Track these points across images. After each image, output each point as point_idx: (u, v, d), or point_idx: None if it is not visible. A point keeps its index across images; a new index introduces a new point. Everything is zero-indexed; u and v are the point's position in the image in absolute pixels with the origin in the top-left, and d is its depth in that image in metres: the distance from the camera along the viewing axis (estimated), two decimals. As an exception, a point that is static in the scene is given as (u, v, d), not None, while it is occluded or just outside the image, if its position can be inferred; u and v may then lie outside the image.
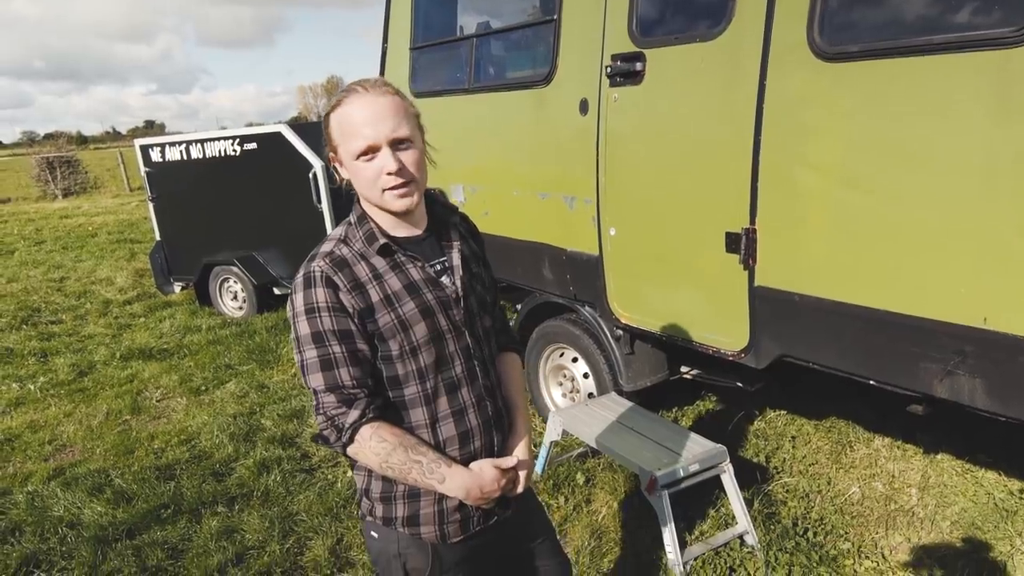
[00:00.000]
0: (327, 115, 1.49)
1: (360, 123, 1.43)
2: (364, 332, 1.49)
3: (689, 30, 2.91)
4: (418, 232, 1.60)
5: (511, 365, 1.83)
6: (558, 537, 2.09)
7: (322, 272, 1.47)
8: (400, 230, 1.56)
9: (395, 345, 1.51)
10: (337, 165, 1.54)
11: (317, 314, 1.46)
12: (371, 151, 1.44)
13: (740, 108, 2.67)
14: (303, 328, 1.48)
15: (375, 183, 1.46)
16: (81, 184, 22.07)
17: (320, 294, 1.46)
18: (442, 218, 1.66)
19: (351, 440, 1.48)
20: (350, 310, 1.47)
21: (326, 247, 1.53)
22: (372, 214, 1.55)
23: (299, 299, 1.48)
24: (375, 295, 1.49)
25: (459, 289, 1.59)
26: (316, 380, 1.48)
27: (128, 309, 7.77)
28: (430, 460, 1.51)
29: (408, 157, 1.46)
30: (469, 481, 1.54)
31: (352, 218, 1.57)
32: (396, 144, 1.45)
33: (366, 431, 1.47)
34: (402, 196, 1.48)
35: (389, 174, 1.44)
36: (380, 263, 1.52)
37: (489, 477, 1.56)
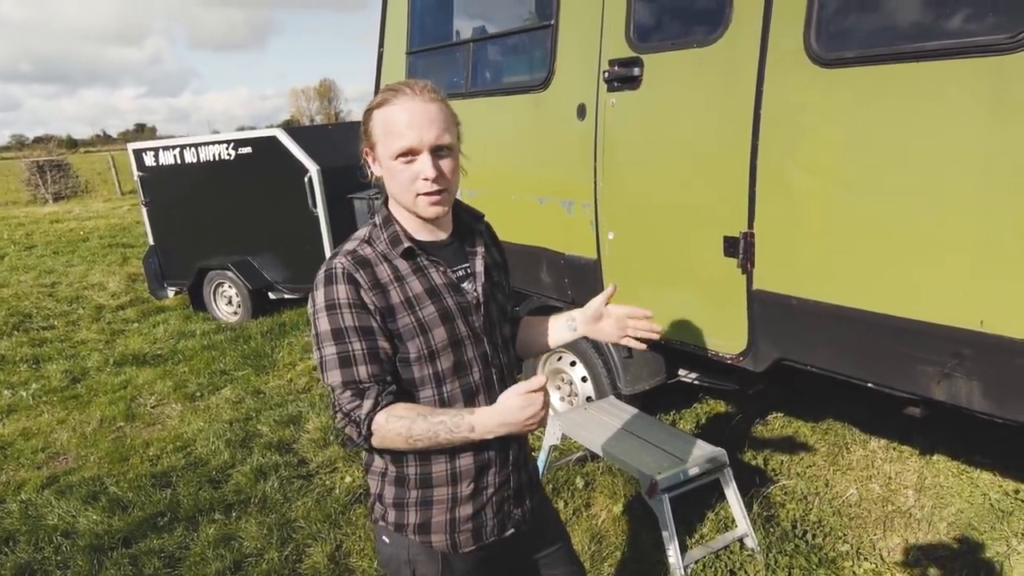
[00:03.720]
0: (370, 110, 1.49)
1: (406, 124, 1.43)
2: (385, 330, 1.48)
3: (686, 36, 2.92)
4: (443, 237, 1.60)
5: (532, 319, 1.91)
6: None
7: (343, 269, 1.47)
8: (425, 234, 1.57)
9: (413, 348, 1.51)
10: (370, 161, 1.54)
11: (338, 310, 1.46)
12: (412, 153, 1.44)
13: (737, 113, 2.69)
14: (323, 324, 1.47)
15: (410, 186, 1.46)
16: (72, 188, 21.98)
17: (341, 290, 1.46)
18: (468, 224, 1.66)
19: (370, 431, 1.46)
20: (371, 307, 1.47)
21: (349, 246, 1.53)
22: (398, 217, 1.55)
23: (320, 295, 1.48)
24: (396, 297, 1.49)
25: (480, 296, 1.59)
26: (334, 377, 1.47)
27: (121, 314, 7.74)
28: (452, 416, 1.47)
29: (446, 165, 1.47)
30: (500, 415, 1.44)
31: (377, 219, 1.57)
32: (436, 151, 1.45)
33: (381, 417, 1.46)
34: (434, 203, 1.48)
35: (425, 179, 1.45)
36: (403, 265, 1.52)
37: (515, 404, 1.43)
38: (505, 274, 1.76)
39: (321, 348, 1.48)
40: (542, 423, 1.48)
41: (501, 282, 1.72)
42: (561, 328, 1.88)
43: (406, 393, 1.54)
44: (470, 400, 1.57)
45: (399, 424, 1.45)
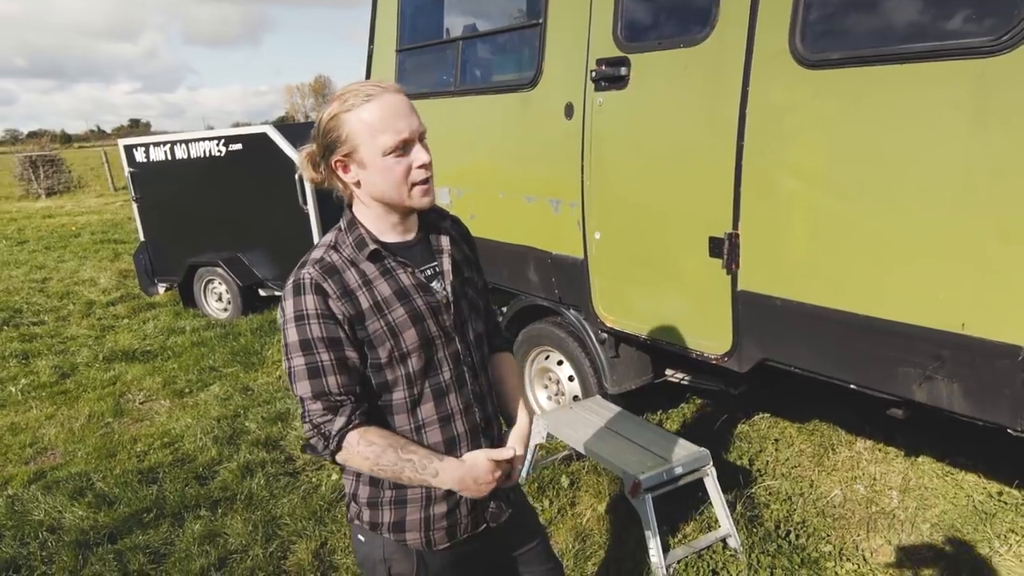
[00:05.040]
0: (337, 116, 1.44)
1: (392, 118, 1.42)
2: (354, 339, 1.48)
3: (673, 35, 2.92)
4: (410, 237, 1.59)
5: (506, 363, 1.83)
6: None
7: (311, 279, 1.46)
8: (391, 235, 1.56)
9: (384, 352, 1.50)
10: (340, 171, 1.49)
11: (306, 321, 1.46)
12: (405, 145, 1.44)
13: (723, 114, 2.69)
14: (292, 335, 1.47)
15: (405, 179, 1.46)
16: (65, 183, 21.88)
17: (309, 301, 1.45)
18: (434, 222, 1.65)
19: (339, 447, 1.47)
20: (339, 317, 1.46)
21: (316, 253, 1.52)
22: (364, 220, 1.54)
23: (289, 306, 1.47)
24: (364, 302, 1.48)
25: (449, 294, 1.59)
26: (303, 388, 1.47)
27: (111, 310, 7.71)
28: (421, 457, 1.50)
29: (429, 152, 1.49)
30: (462, 472, 1.52)
31: (342, 224, 1.56)
32: (422, 138, 1.48)
33: (353, 437, 1.46)
34: (427, 192, 1.50)
35: (421, 167, 1.46)
36: (370, 269, 1.51)
37: (483, 469, 1.54)
38: (477, 270, 1.75)
39: (290, 359, 1.48)
40: (491, 493, 1.59)
41: (472, 278, 1.71)
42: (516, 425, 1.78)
43: (378, 411, 1.55)
44: (440, 399, 1.57)
45: (369, 450, 1.47)
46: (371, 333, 1.49)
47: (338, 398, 1.47)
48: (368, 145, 1.43)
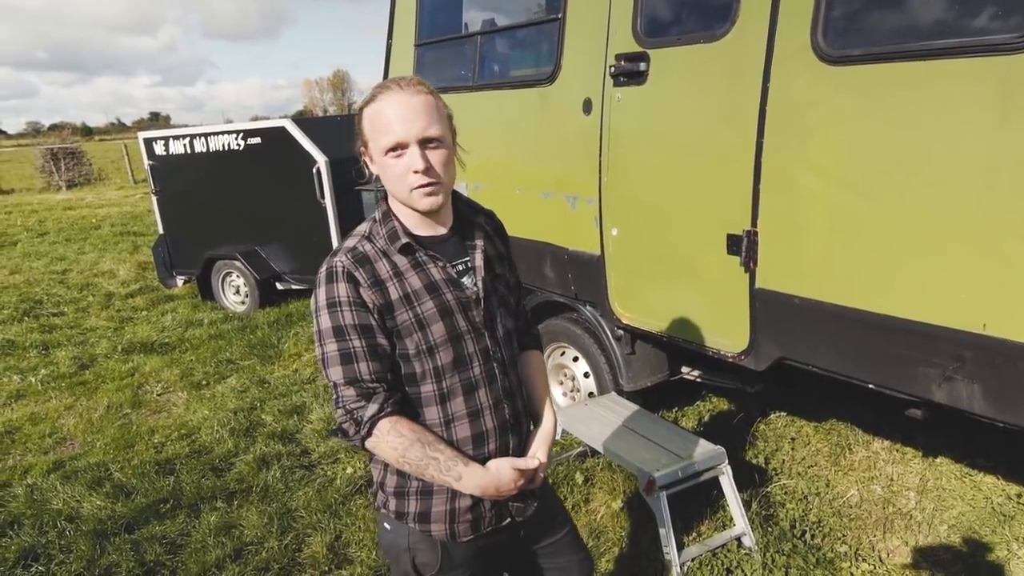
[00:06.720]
0: (360, 109, 1.52)
1: (391, 120, 1.45)
2: (384, 327, 1.51)
3: (693, 31, 2.90)
4: (443, 231, 1.61)
5: (534, 363, 1.84)
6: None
7: (343, 267, 1.50)
8: (424, 229, 1.58)
9: (411, 344, 1.53)
10: (368, 160, 1.55)
11: (338, 308, 1.49)
12: (400, 148, 1.46)
13: (743, 110, 2.67)
14: (324, 322, 1.50)
15: (403, 180, 1.48)
16: (85, 176, 22.15)
17: (342, 289, 1.49)
18: (467, 217, 1.67)
19: (369, 433, 1.49)
20: (370, 305, 1.49)
21: (350, 243, 1.56)
22: (397, 212, 1.57)
23: (321, 293, 1.51)
24: (394, 292, 1.51)
25: (480, 290, 1.60)
26: (336, 373, 1.50)
27: (130, 302, 7.79)
28: (447, 458, 1.52)
29: (436, 157, 1.48)
30: (486, 480, 1.55)
31: (377, 215, 1.59)
32: (425, 143, 1.46)
33: (384, 424, 1.49)
34: (428, 195, 1.49)
35: (416, 172, 1.46)
36: (401, 261, 1.53)
37: (506, 478, 1.57)
38: (509, 266, 1.76)
39: (323, 345, 1.51)
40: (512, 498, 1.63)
41: (504, 274, 1.72)
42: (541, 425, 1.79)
43: (408, 403, 1.56)
44: (470, 394, 1.59)
45: (398, 440, 1.49)
46: (399, 324, 1.52)
47: (371, 384, 1.50)
48: (373, 142, 1.49)
